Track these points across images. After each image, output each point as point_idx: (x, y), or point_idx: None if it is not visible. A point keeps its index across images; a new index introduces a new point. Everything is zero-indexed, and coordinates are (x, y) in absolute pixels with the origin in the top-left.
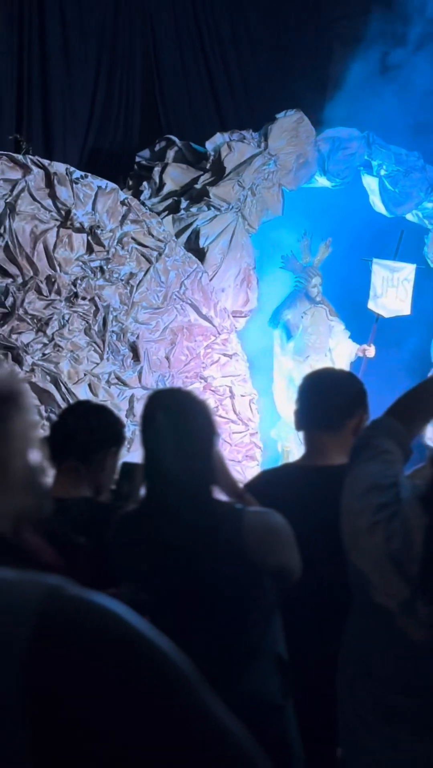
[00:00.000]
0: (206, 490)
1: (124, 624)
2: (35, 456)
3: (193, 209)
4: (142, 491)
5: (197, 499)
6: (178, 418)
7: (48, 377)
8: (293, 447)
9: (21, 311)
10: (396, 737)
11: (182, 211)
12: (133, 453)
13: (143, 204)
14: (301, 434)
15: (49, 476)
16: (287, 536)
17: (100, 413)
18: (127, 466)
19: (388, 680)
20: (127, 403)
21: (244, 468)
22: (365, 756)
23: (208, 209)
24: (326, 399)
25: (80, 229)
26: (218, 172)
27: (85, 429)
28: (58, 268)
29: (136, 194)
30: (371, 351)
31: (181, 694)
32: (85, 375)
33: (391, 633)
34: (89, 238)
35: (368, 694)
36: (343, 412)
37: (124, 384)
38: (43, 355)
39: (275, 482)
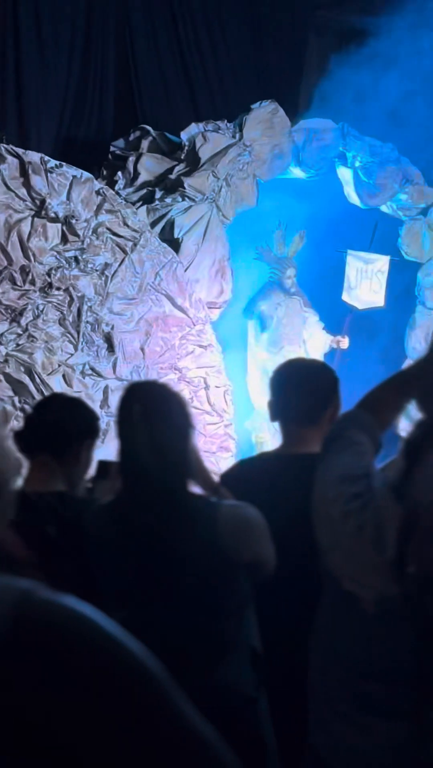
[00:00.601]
0: (181, 483)
1: (94, 627)
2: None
3: (168, 200)
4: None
5: (172, 493)
6: (154, 411)
7: (22, 368)
8: (266, 438)
9: None
10: (368, 724)
11: (157, 202)
12: (107, 444)
13: (118, 194)
14: (276, 425)
15: (23, 469)
16: (261, 529)
17: (73, 406)
18: (103, 464)
19: (358, 667)
20: (101, 394)
21: (218, 459)
22: (338, 745)
23: (183, 200)
24: (302, 391)
25: (55, 219)
26: (193, 163)
27: (59, 423)
28: (32, 258)
29: (111, 184)
30: (344, 342)
31: (150, 696)
32: (59, 366)
33: (361, 620)
34: (64, 227)
35: (339, 682)
36: (319, 403)
37: (99, 375)
38: (17, 345)
39: (251, 471)
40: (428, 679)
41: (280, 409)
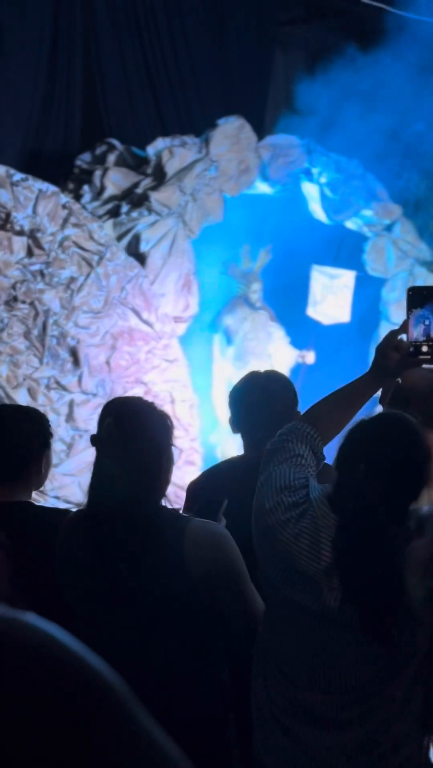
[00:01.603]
0: (150, 497)
1: (52, 641)
2: None
3: (134, 214)
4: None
5: (137, 506)
6: (126, 425)
7: None
8: (231, 452)
9: None
10: (310, 736)
11: (123, 216)
12: (72, 458)
13: (84, 208)
14: (238, 435)
15: None
16: (229, 546)
17: (27, 422)
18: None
19: (299, 678)
20: (66, 408)
21: (184, 473)
22: (281, 757)
23: (149, 214)
24: (266, 408)
25: (20, 233)
26: (159, 177)
27: (16, 447)
28: None
29: (77, 198)
30: (310, 357)
31: (110, 710)
32: (24, 379)
33: (299, 629)
34: (29, 241)
35: (280, 694)
36: (283, 418)
37: (64, 389)
38: None
39: (217, 476)
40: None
41: (243, 424)
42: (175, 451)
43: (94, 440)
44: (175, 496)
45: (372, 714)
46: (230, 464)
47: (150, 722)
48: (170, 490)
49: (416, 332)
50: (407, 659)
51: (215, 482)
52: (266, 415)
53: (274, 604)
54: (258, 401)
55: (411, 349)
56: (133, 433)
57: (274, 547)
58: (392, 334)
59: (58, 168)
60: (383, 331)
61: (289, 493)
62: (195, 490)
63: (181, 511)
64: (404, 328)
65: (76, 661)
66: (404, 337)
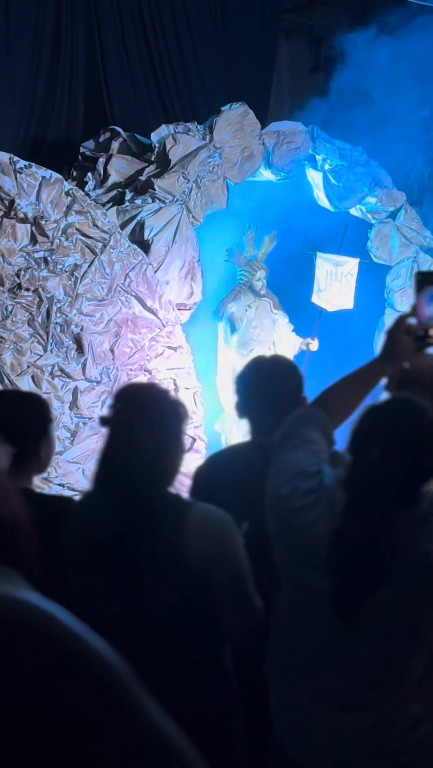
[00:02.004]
0: (154, 483)
1: (54, 623)
2: None
3: (138, 201)
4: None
5: (139, 491)
6: (137, 411)
7: None
8: (236, 439)
9: None
10: (329, 718)
11: (127, 203)
12: (76, 446)
13: (88, 195)
14: (244, 421)
15: None
16: (231, 533)
17: (25, 407)
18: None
19: (318, 661)
20: (70, 396)
21: (187, 461)
22: (297, 738)
23: (153, 201)
24: (272, 394)
25: (24, 220)
26: (163, 165)
27: (13, 433)
28: (1, 259)
29: (81, 185)
30: (314, 344)
31: (111, 692)
32: (28, 367)
33: (317, 613)
34: (33, 228)
35: (298, 678)
36: (290, 401)
37: (68, 376)
38: None
39: (223, 461)
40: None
41: (249, 407)
42: (187, 440)
43: (104, 421)
44: (180, 484)
45: (391, 693)
46: (236, 450)
47: (150, 703)
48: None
49: (426, 316)
50: (425, 639)
51: (221, 468)
52: (272, 399)
53: (291, 589)
54: (265, 385)
55: (421, 333)
56: (141, 418)
57: (290, 534)
58: (402, 318)
59: (62, 155)
60: (388, 318)
61: (304, 479)
62: (200, 476)
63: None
64: (413, 312)
65: (76, 641)
66: (413, 321)
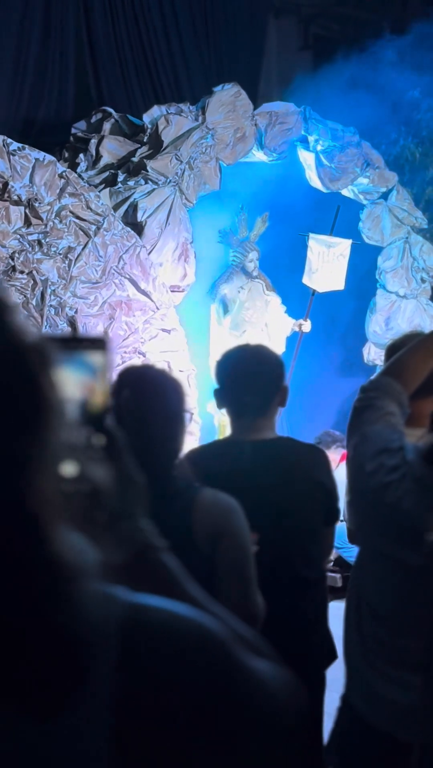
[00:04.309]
0: (163, 467)
1: (186, 620)
2: None
3: (131, 182)
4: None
5: (151, 475)
6: (145, 397)
7: None
8: (228, 421)
9: None
10: (404, 679)
11: (119, 185)
12: None
13: (80, 177)
14: (225, 410)
15: None
16: (238, 519)
17: None
18: None
19: (395, 624)
20: None
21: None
22: (373, 699)
23: (146, 183)
24: (252, 384)
25: (18, 202)
26: (156, 146)
27: None
28: None
29: (73, 166)
30: (306, 326)
31: (226, 663)
32: None
33: (399, 581)
34: (27, 211)
35: (376, 640)
36: (270, 395)
37: None
38: None
39: (210, 457)
40: None
41: (228, 399)
42: (186, 416)
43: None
44: None
45: None
46: (220, 445)
47: (252, 660)
48: None
49: None
50: None
51: (208, 461)
52: (253, 380)
53: (371, 558)
54: (246, 367)
55: None
56: (151, 405)
57: (378, 508)
58: None
59: (53, 136)
60: (379, 299)
61: (388, 455)
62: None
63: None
64: None
65: (199, 629)
66: None
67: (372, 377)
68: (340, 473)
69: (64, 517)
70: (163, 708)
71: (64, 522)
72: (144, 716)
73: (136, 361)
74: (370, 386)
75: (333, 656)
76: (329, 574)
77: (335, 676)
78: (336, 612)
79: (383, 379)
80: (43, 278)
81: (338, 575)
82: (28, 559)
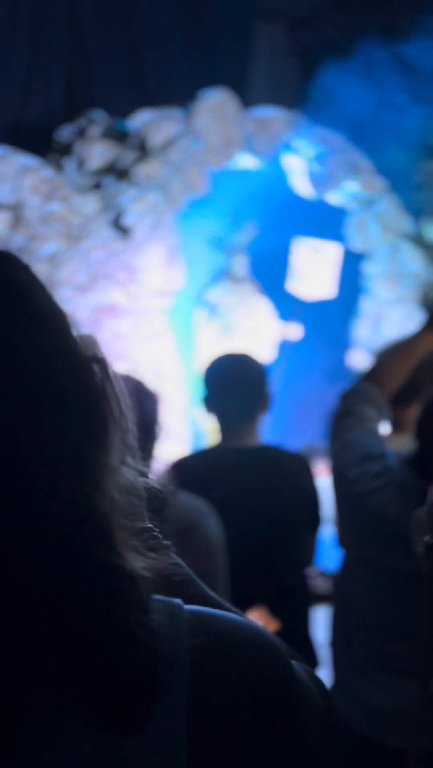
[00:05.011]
0: None
1: (235, 624)
2: None
3: (118, 187)
4: None
5: None
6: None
7: None
8: (216, 427)
9: None
10: (392, 685)
11: (106, 189)
12: None
13: (67, 181)
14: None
15: None
16: (206, 525)
17: None
18: None
19: (382, 629)
20: None
21: (168, 448)
22: (358, 703)
23: (133, 187)
24: (238, 393)
25: (3, 207)
26: (143, 150)
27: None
28: None
29: (59, 170)
30: (294, 331)
31: (283, 671)
32: None
33: (385, 586)
34: (12, 215)
35: (363, 645)
36: (254, 401)
37: None
38: None
39: (195, 466)
40: None
41: (215, 406)
42: (160, 427)
43: None
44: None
45: None
46: (208, 453)
47: (301, 669)
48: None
49: None
50: None
51: (195, 470)
52: (237, 387)
53: (357, 564)
54: (230, 375)
55: None
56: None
57: (363, 515)
58: None
59: (39, 140)
60: (366, 306)
61: (371, 462)
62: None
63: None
64: None
65: (254, 632)
66: None
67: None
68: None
69: (127, 527)
70: (234, 718)
71: (127, 532)
72: (215, 728)
73: (123, 366)
74: (349, 392)
75: (314, 663)
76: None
77: None
78: (320, 617)
79: (362, 385)
80: None
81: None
82: (103, 567)
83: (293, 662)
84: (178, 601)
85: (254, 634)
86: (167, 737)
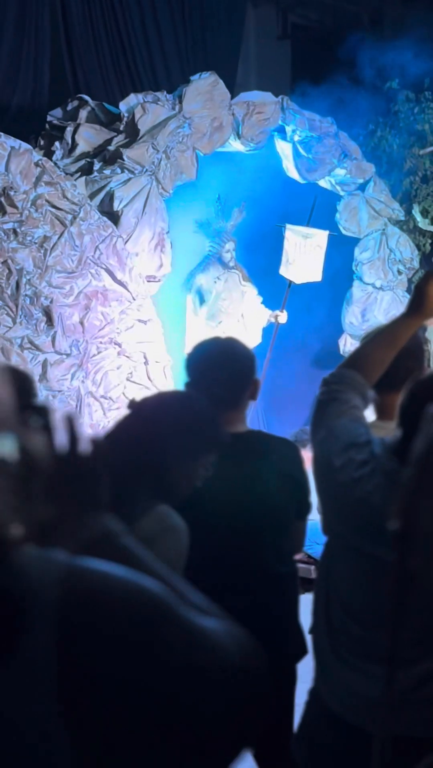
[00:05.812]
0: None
1: (120, 580)
2: None
3: (107, 171)
4: None
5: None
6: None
7: None
8: None
9: None
10: (375, 672)
11: (95, 173)
12: None
13: (56, 165)
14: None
15: None
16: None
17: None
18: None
19: (365, 617)
20: (40, 368)
21: None
22: (339, 690)
23: (122, 172)
24: (224, 380)
25: None
26: (132, 134)
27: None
28: None
29: (48, 155)
30: (283, 317)
31: (166, 617)
32: None
33: (368, 575)
34: (2, 199)
35: (345, 633)
36: (241, 389)
37: (38, 348)
38: None
39: None
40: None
41: (200, 383)
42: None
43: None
44: None
45: None
46: None
47: (197, 617)
48: None
49: None
50: None
51: None
52: (223, 374)
53: (341, 552)
54: (216, 361)
55: None
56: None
57: (348, 503)
58: (432, 273)
59: (28, 124)
60: (355, 291)
61: (356, 450)
62: None
63: None
64: None
65: (129, 585)
66: None
67: (334, 370)
68: None
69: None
70: (102, 660)
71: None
72: (86, 667)
73: (113, 351)
74: (333, 379)
75: (304, 651)
76: (302, 565)
77: (305, 669)
78: (308, 604)
79: (346, 371)
80: (18, 267)
81: (312, 567)
82: None
83: (204, 618)
84: (58, 554)
85: (131, 585)
86: (35, 663)
